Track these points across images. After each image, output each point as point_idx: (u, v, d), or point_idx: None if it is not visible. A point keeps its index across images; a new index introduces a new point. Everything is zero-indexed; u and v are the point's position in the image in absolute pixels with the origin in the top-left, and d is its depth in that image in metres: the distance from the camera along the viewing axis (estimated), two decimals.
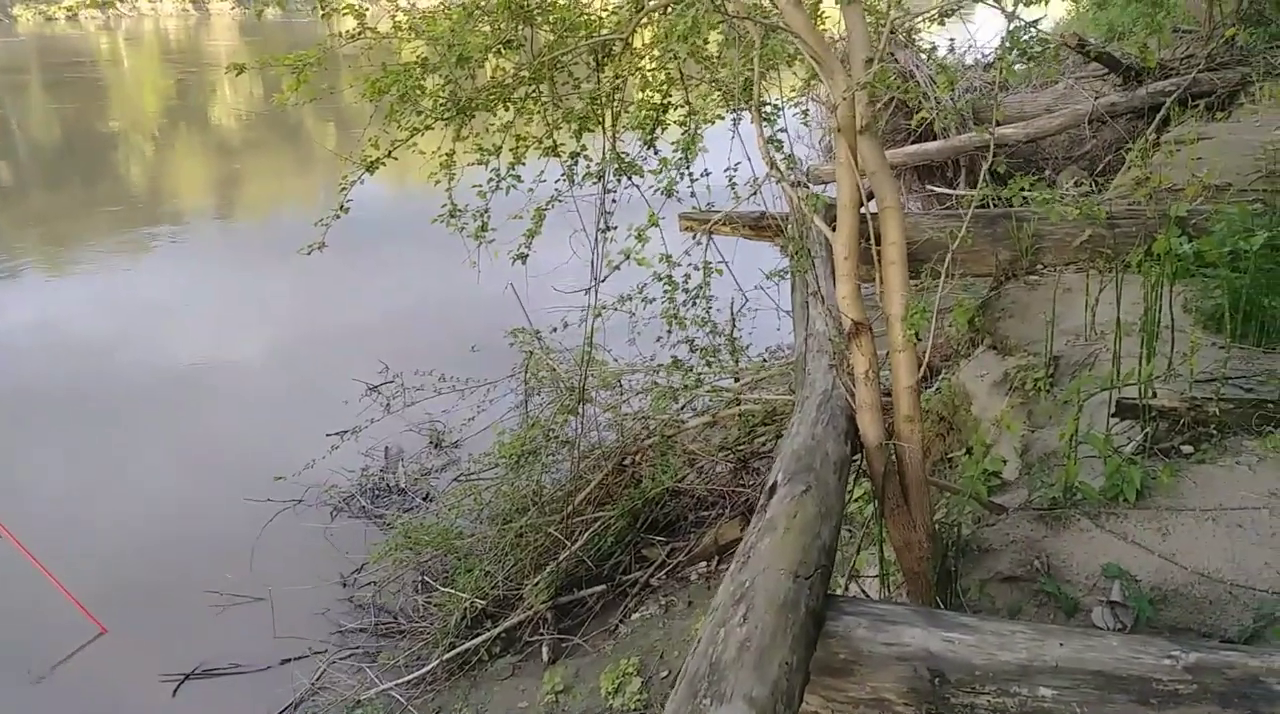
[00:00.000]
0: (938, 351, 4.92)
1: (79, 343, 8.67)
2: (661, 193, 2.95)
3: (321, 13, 3.14)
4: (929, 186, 9.32)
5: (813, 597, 1.92)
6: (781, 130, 2.92)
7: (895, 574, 3.04)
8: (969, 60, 10.41)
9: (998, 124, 8.91)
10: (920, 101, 8.35)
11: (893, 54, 8.80)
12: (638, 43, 3.12)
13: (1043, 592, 2.75)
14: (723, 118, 3.27)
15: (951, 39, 10.30)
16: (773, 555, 1.97)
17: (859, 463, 2.74)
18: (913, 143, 9.30)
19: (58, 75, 29.24)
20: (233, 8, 51.77)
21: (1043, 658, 1.93)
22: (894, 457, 2.66)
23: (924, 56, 9.60)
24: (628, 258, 2.95)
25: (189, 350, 8.37)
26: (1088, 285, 4.08)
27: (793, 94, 4.01)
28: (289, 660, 4.68)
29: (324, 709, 4.35)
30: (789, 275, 4.44)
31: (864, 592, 3.30)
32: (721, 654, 1.64)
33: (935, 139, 9.11)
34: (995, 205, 4.89)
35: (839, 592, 3.09)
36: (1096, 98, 8.94)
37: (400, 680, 4.39)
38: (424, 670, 4.43)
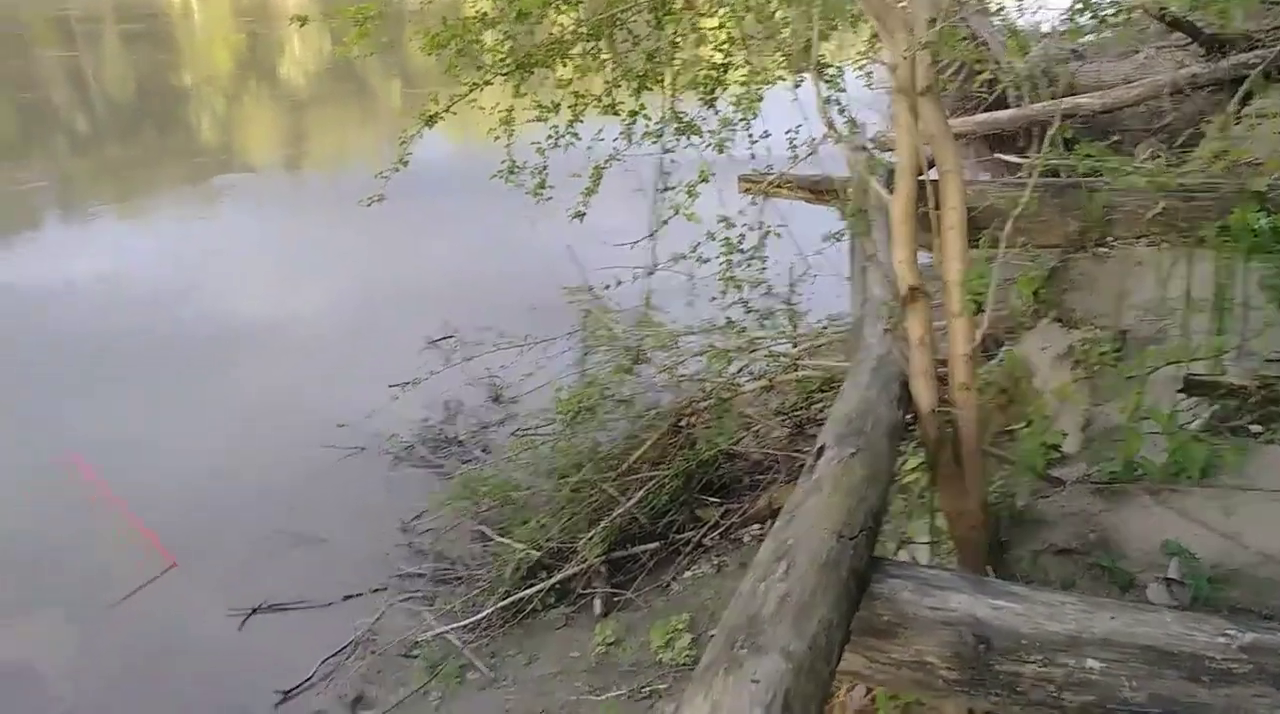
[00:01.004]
0: (1001, 323, 4.84)
1: (150, 290, 8.90)
2: (714, 148, 2.93)
3: None
4: (999, 155, 9.11)
5: (857, 557, 1.92)
6: (842, 91, 2.88)
7: (947, 542, 3.03)
8: (1045, 27, 10.07)
9: (1074, 93, 8.66)
10: (990, 66, 8.15)
11: (964, 19, 8.54)
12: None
13: (1097, 566, 2.73)
14: (784, 79, 3.23)
15: (1020, 2, 9.95)
16: (817, 515, 1.97)
17: (916, 429, 2.73)
18: (984, 111, 9.08)
19: (131, 27, 29.71)
20: None
21: (1091, 630, 1.90)
22: (949, 424, 2.64)
23: (997, 21, 9.30)
24: (676, 213, 2.94)
25: (258, 300, 8.57)
26: (1160, 259, 3.97)
27: (858, 57, 3.94)
28: (350, 597, 4.82)
29: (383, 648, 4.48)
30: (849, 240, 4.40)
31: (914, 558, 3.29)
32: (761, 608, 1.64)
33: (1007, 108, 8.88)
34: (1067, 175, 4.77)
35: (890, 557, 3.09)
36: (1178, 68, 8.60)
37: (456, 625, 4.50)
38: (479, 616, 4.52)
